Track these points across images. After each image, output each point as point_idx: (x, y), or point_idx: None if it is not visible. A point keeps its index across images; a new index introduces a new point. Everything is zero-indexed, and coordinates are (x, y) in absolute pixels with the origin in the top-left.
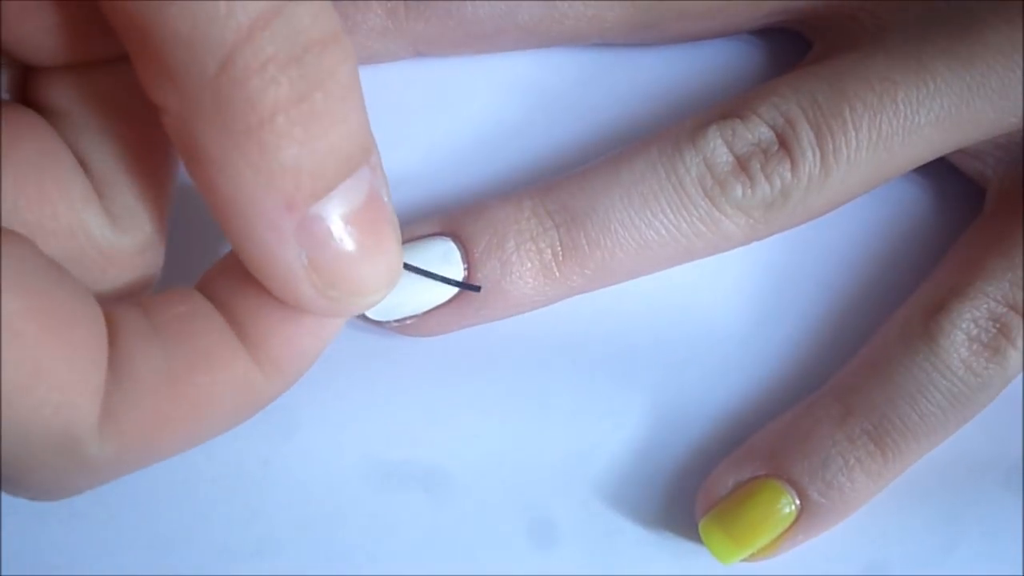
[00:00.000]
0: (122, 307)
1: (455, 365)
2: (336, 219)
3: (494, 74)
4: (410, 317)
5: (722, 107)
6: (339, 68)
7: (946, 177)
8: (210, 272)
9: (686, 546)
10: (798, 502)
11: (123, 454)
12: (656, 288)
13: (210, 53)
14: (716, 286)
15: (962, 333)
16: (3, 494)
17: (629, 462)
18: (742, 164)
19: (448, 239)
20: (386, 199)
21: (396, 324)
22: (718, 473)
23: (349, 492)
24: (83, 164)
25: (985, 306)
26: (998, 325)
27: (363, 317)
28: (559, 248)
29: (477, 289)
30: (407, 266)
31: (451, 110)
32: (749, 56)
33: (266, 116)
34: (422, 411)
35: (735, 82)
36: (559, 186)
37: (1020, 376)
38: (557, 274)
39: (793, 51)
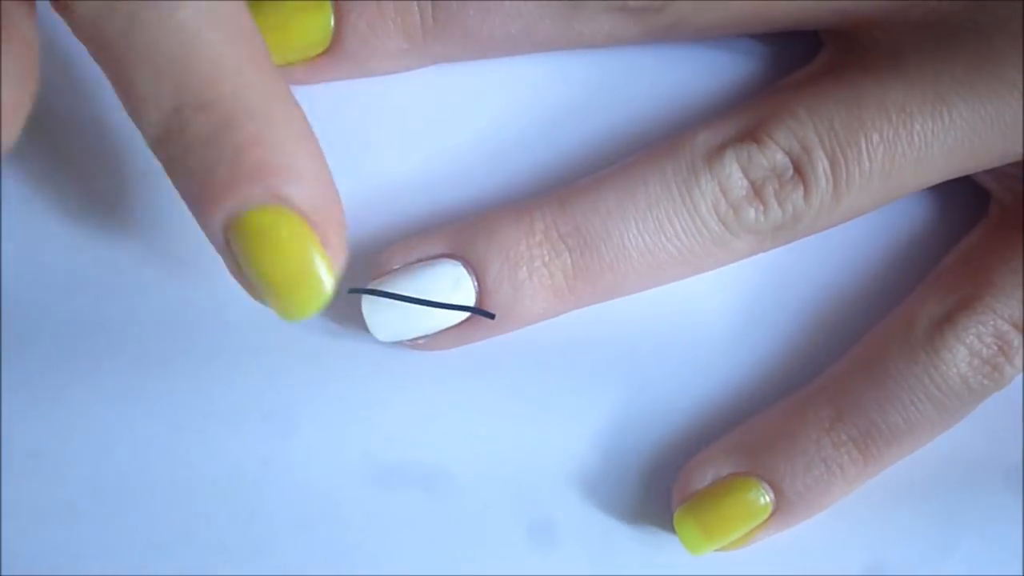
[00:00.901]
0: None
1: (455, 365)
2: None
3: (500, 79)
4: (422, 337)
5: (737, 124)
6: None
7: (954, 183)
8: None
9: None
10: (773, 499)
11: None
12: (658, 292)
13: None
14: (720, 288)
15: (965, 348)
16: (3, 494)
17: (630, 462)
18: (756, 190)
19: (458, 264)
20: None
21: (408, 343)
22: (697, 463)
23: (349, 492)
24: None
25: (992, 323)
26: (1000, 343)
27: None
28: (571, 271)
29: (492, 316)
30: (420, 300)
31: (457, 116)
32: (758, 57)
33: None
34: (422, 411)
35: (744, 83)
36: (571, 204)
37: (1021, 376)
38: (569, 296)
39: (802, 52)
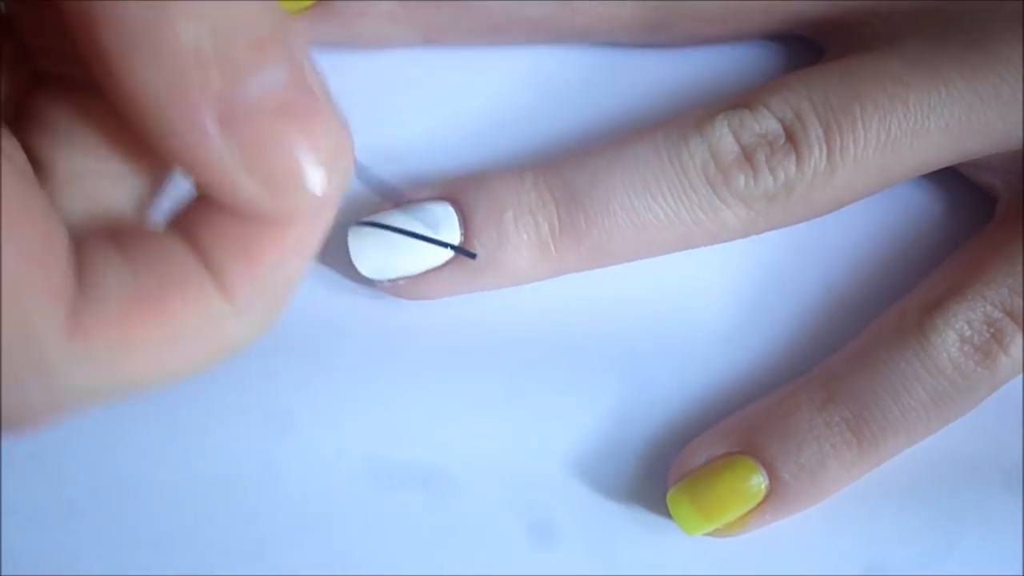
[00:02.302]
0: (91, 231)
1: (455, 365)
2: (257, 105)
3: (501, 66)
4: (403, 278)
5: (732, 99)
6: None
7: (957, 186)
8: (179, 211)
9: (689, 545)
10: (768, 481)
11: (90, 369)
12: (657, 287)
13: None
14: (718, 286)
15: (954, 333)
16: (3, 494)
17: (630, 461)
18: (747, 154)
19: (447, 204)
20: (315, 79)
21: (388, 284)
22: (693, 446)
23: (349, 492)
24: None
25: (981, 309)
26: (992, 330)
27: (357, 275)
28: (556, 223)
29: (473, 256)
30: (405, 231)
31: (456, 100)
32: (759, 61)
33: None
34: (422, 411)
35: (744, 86)
36: (562, 163)
37: (1021, 376)
38: (553, 250)
39: (806, 58)
